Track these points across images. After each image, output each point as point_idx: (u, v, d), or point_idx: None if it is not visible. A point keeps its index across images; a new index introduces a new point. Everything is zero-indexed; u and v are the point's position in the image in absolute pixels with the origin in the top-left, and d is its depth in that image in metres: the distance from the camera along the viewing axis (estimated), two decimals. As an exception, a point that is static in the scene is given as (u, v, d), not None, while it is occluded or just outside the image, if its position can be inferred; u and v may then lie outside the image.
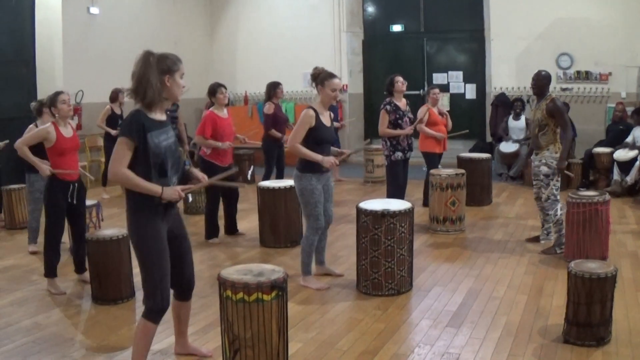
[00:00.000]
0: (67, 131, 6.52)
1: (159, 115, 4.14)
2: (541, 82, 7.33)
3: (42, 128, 6.50)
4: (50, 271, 6.53)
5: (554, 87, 13.50)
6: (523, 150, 11.70)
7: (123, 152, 3.98)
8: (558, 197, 7.33)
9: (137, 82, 4.01)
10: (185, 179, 4.53)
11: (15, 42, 12.90)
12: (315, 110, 6.12)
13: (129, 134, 3.96)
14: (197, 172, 4.77)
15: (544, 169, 7.27)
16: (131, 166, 3.99)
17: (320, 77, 6.19)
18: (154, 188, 4.00)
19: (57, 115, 6.49)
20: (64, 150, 6.40)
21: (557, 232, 7.34)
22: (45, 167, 6.42)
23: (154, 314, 4.15)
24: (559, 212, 7.36)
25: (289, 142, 6.15)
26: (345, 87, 15.48)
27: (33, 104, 7.98)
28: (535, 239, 7.78)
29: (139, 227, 4.09)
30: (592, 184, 11.30)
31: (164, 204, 4.12)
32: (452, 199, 8.30)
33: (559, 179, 7.34)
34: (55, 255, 6.54)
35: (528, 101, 13.02)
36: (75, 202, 6.55)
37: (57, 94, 6.50)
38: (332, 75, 6.18)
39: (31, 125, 7.74)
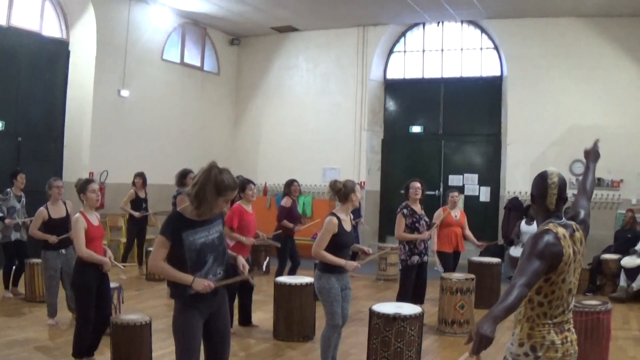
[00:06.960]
0: (94, 219, 6.64)
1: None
2: None
3: (74, 220, 6.54)
4: (80, 352, 6.53)
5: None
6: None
7: (159, 248, 4.47)
8: None
9: (196, 193, 4.43)
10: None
11: (46, 117, 13.38)
12: (337, 217, 6.37)
13: (164, 233, 4.44)
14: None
15: None
16: (169, 257, 4.44)
17: (345, 192, 6.44)
18: (185, 278, 4.41)
19: (84, 202, 6.62)
20: (92, 238, 6.50)
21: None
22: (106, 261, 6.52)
23: None
24: None
25: (314, 249, 6.33)
26: (362, 184, 15.80)
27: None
28: None
29: (175, 315, 4.54)
30: (599, 289, 11.59)
31: (200, 295, 4.44)
32: (461, 303, 8.49)
33: None
34: (87, 337, 6.50)
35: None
36: (102, 286, 6.60)
37: (88, 182, 6.64)
38: (354, 187, 6.48)
39: (41, 208, 8.13)
